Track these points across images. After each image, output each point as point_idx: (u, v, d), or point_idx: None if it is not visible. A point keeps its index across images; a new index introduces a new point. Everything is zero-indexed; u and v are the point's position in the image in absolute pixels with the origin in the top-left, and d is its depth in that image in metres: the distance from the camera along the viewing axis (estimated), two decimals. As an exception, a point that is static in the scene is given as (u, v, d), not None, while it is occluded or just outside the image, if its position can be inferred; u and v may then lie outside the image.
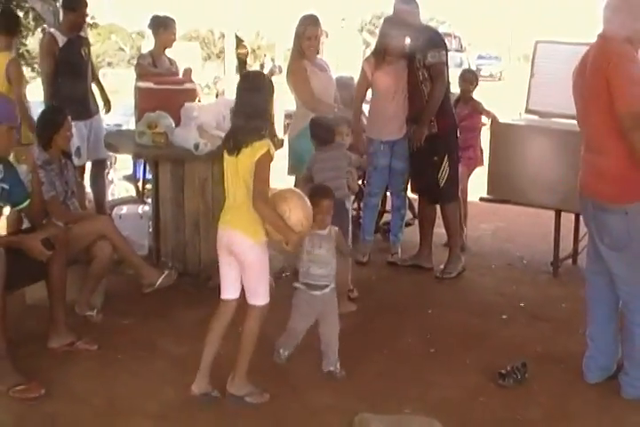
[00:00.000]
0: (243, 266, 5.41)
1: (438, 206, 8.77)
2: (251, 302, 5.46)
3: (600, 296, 6.00)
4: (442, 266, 8.68)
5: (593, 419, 5.62)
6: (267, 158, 5.16)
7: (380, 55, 8.78)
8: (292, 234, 5.29)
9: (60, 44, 8.97)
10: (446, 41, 8.35)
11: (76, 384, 5.96)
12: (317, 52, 8.67)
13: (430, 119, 8.28)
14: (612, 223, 5.66)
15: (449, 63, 8.58)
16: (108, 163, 11.82)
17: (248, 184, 5.21)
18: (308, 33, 8.35)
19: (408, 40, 8.75)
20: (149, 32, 9.80)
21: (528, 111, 9.05)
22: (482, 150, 9.61)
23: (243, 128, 5.24)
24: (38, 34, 16.05)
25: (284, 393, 5.68)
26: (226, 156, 5.37)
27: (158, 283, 6.89)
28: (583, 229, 6.94)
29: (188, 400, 5.51)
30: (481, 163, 9.65)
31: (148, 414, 5.51)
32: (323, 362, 6.10)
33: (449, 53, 8.71)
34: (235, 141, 5.24)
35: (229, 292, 5.55)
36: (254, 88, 5.34)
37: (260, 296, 5.46)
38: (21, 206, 6.41)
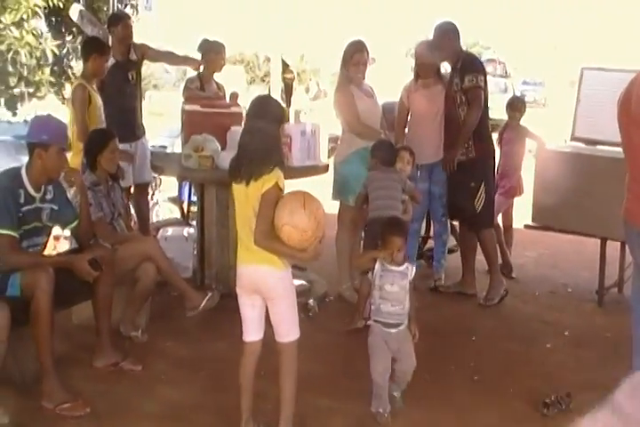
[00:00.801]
0: (273, 302, 5.11)
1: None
2: (284, 339, 5.17)
3: None
4: (484, 292, 8.66)
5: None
6: (274, 191, 4.90)
7: (415, 78, 8.93)
8: (301, 254, 5.09)
9: (109, 64, 9.09)
10: (488, 66, 8.33)
11: (120, 404, 6.01)
12: (364, 78, 8.71)
13: (464, 144, 8.28)
14: None
15: (492, 88, 8.64)
16: (153, 185, 11.93)
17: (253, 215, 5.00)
18: (356, 59, 8.38)
19: (440, 63, 8.89)
20: (195, 55, 9.87)
21: (574, 138, 9.05)
22: (521, 179, 9.59)
23: (251, 157, 4.99)
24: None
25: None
26: (234, 185, 5.11)
27: (202, 306, 6.90)
28: (629, 257, 6.93)
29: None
30: (521, 191, 9.64)
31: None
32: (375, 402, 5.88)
33: (494, 79, 8.79)
34: (244, 171, 4.98)
35: (254, 334, 5.26)
36: (263, 114, 5.14)
37: (293, 331, 5.19)
38: (70, 227, 6.51)
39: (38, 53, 13.18)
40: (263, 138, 5.01)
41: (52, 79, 17.23)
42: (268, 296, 5.11)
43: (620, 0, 58.51)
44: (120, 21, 9.56)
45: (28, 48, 12.85)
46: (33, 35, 13.11)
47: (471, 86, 8.18)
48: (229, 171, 5.16)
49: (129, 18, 9.78)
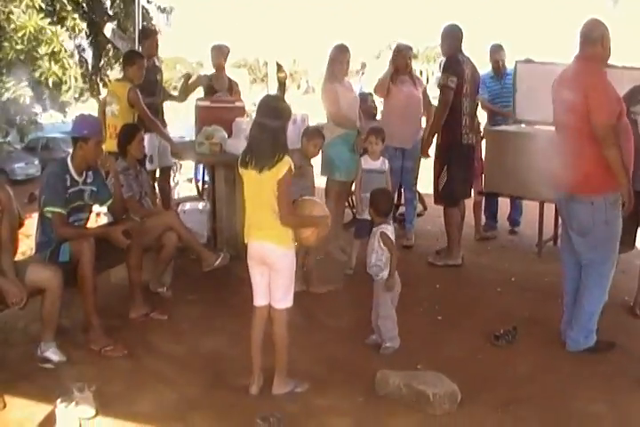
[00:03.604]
0: (275, 272, 5.08)
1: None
2: (279, 306, 5.14)
3: (572, 272, 6.10)
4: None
5: (569, 370, 5.72)
6: (289, 175, 4.88)
7: (393, 74, 8.99)
8: (323, 218, 5.23)
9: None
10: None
11: (151, 347, 6.11)
12: (346, 75, 8.72)
13: (432, 134, 8.32)
14: (579, 212, 5.76)
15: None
16: (174, 168, 11.94)
17: (272, 199, 4.92)
18: (341, 58, 8.37)
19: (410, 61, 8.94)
20: (205, 61, 9.97)
21: (515, 121, 9.07)
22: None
23: (261, 149, 4.91)
24: (117, 67, 16.35)
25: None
26: (244, 171, 5.04)
27: (216, 264, 6.93)
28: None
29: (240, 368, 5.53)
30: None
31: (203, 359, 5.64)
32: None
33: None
34: (258, 160, 4.90)
35: (262, 299, 5.21)
36: (275, 110, 5.02)
37: (288, 299, 5.15)
38: (106, 204, 6.59)
39: (64, 79, 13.22)
40: (272, 133, 4.91)
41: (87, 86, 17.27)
42: (272, 267, 5.08)
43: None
44: (149, 36, 9.64)
45: (55, 77, 12.89)
46: (60, 66, 13.13)
47: (441, 84, 8.06)
48: (240, 159, 5.06)
49: (156, 33, 9.82)
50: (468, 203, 8.77)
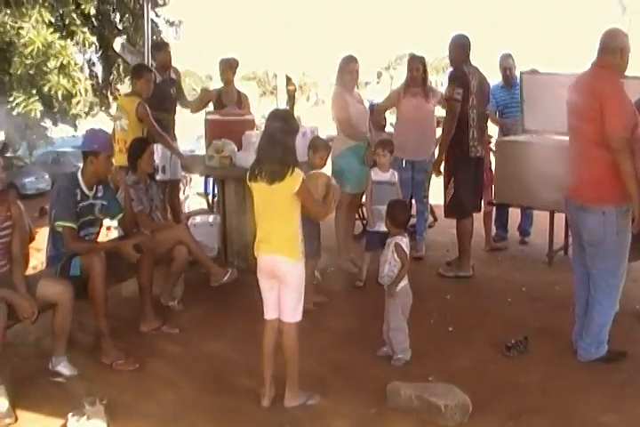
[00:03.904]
0: (285, 286, 5.09)
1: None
2: (288, 320, 5.15)
3: (583, 282, 6.07)
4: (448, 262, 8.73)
5: (580, 380, 5.69)
6: (304, 186, 4.96)
7: (406, 86, 8.95)
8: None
9: (158, 81, 9.16)
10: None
11: (163, 360, 6.12)
12: (356, 86, 8.75)
13: (444, 147, 8.15)
14: (590, 222, 5.73)
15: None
16: (184, 181, 11.98)
17: (284, 211, 5.01)
18: (350, 68, 8.38)
19: (427, 75, 8.89)
20: (215, 75, 9.98)
21: (524, 131, 9.01)
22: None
23: (271, 163, 4.93)
24: (127, 81, 16.48)
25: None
26: (253, 184, 5.05)
27: (224, 279, 6.96)
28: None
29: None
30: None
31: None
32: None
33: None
34: (268, 173, 4.92)
35: (272, 312, 5.22)
36: (285, 123, 5.05)
37: (298, 313, 5.15)
38: (117, 218, 6.62)
39: (74, 92, 13.34)
40: (281, 146, 4.94)
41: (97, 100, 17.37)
42: (282, 281, 5.09)
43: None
44: (162, 49, 9.68)
45: (63, 90, 13.00)
46: (69, 79, 13.24)
47: (448, 97, 8.05)
48: (249, 172, 5.08)
49: (168, 46, 9.84)
50: (478, 213, 8.73)
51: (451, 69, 8.26)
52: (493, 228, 9.83)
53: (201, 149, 10.41)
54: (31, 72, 12.94)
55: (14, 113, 13.52)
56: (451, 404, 5.00)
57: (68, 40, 13.52)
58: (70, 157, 32.38)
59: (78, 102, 13.80)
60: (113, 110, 11.48)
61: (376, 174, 7.91)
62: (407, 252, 6.00)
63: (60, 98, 13.13)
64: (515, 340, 6.20)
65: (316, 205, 5.28)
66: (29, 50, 12.46)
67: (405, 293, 6.00)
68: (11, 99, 13.28)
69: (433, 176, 8.80)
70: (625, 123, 5.47)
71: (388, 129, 9.74)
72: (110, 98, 17.48)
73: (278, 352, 5.24)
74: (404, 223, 6.20)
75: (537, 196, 8.25)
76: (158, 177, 8.16)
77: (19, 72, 12.93)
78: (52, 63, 12.69)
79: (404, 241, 6.02)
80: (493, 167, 9.03)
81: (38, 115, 13.60)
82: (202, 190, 12.66)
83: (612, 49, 5.64)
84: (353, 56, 8.49)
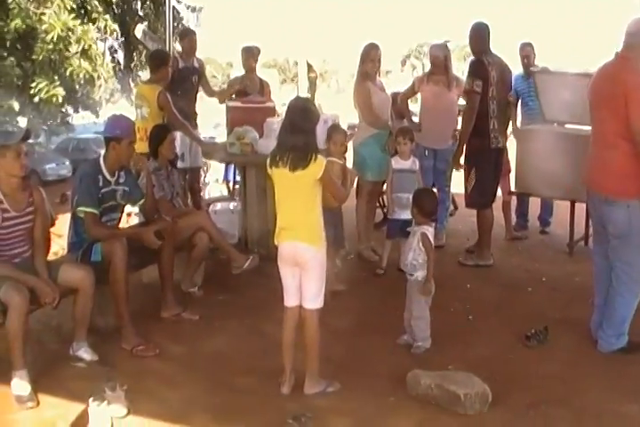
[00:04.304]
0: (306, 272, 5.09)
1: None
2: (310, 306, 5.15)
3: (603, 273, 6.05)
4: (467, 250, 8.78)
5: (600, 370, 5.69)
6: (327, 172, 4.97)
7: (428, 73, 8.97)
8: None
9: (180, 67, 9.18)
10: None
11: (184, 346, 6.14)
12: (378, 74, 8.73)
13: (464, 139, 8.17)
14: (615, 215, 5.68)
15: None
16: (204, 168, 12.00)
17: (307, 198, 5.02)
18: (372, 55, 8.38)
19: (450, 63, 8.85)
20: (236, 61, 10.01)
21: (545, 121, 8.97)
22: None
23: (296, 148, 4.92)
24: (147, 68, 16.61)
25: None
26: (274, 170, 5.05)
27: (245, 266, 6.97)
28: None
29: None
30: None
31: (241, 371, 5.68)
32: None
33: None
34: (290, 160, 4.92)
35: (293, 300, 5.21)
36: (304, 112, 5.04)
37: (319, 300, 5.15)
38: (138, 204, 6.64)
39: (96, 75, 13.40)
40: (302, 135, 4.93)
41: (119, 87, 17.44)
42: (303, 267, 5.08)
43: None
44: (186, 36, 9.70)
45: (85, 73, 13.04)
46: (90, 61, 13.29)
47: (467, 89, 8.05)
48: (270, 158, 5.07)
49: (194, 34, 9.83)
50: (497, 203, 8.71)
51: (471, 58, 8.22)
52: (514, 217, 9.82)
53: (220, 137, 10.42)
54: (53, 57, 13.00)
55: (36, 99, 13.58)
56: (470, 393, 4.99)
57: (90, 24, 13.57)
58: (91, 144, 32.55)
59: (101, 86, 13.88)
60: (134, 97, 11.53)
61: (397, 162, 7.92)
62: (433, 242, 5.99)
63: (82, 82, 13.19)
64: (535, 329, 6.18)
65: (338, 191, 5.31)
66: (50, 36, 12.50)
67: (431, 286, 5.99)
68: (32, 84, 13.35)
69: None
70: None
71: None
72: (132, 84, 17.55)
73: (298, 340, 5.25)
74: (432, 213, 6.15)
75: (557, 185, 8.24)
76: (179, 165, 8.18)
77: (40, 58, 12.98)
78: (73, 48, 12.73)
79: (431, 231, 6.00)
80: (512, 156, 8.99)
81: (60, 100, 13.65)
82: (221, 177, 12.71)
83: (637, 40, 5.57)
84: (375, 44, 8.48)
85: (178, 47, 10.82)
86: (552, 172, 8.18)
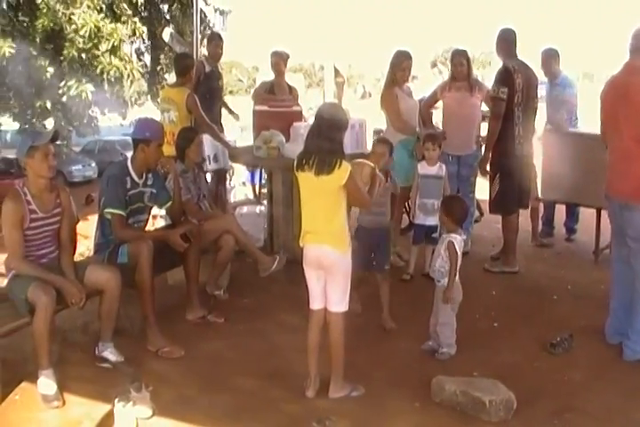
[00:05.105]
0: (332, 276, 5.10)
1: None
2: (335, 309, 5.15)
3: (621, 276, 6.12)
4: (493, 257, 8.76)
5: (625, 380, 5.65)
6: (352, 178, 4.93)
7: (450, 79, 8.90)
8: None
9: (206, 70, 9.24)
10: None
11: (208, 348, 6.16)
12: (407, 81, 8.72)
13: (490, 146, 8.14)
14: (635, 219, 5.74)
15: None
16: (230, 171, 12.03)
17: (331, 202, 5.00)
18: (404, 65, 8.38)
19: (471, 69, 8.82)
20: (262, 65, 10.11)
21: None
22: None
23: (323, 153, 4.91)
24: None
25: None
26: (300, 174, 5.05)
27: (273, 268, 6.96)
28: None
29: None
30: None
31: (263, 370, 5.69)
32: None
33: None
34: (316, 164, 4.91)
35: (319, 302, 5.22)
36: (336, 118, 5.03)
37: (344, 303, 5.15)
38: (165, 206, 6.67)
39: (125, 74, 13.47)
40: (329, 141, 4.92)
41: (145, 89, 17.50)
42: (328, 271, 5.09)
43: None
44: (212, 41, 9.79)
45: (116, 70, 13.11)
46: (120, 59, 13.36)
47: (492, 97, 8.04)
48: (297, 162, 5.06)
49: (221, 39, 9.89)
50: (525, 209, 8.69)
51: (500, 67, 8.20)
52: (540, 223, 9.79)
53: (244, 141, 10.47)
54: (83, 56, 13.09)
55: (64, 98, 13.65)
56: (495, 400, 4.98)
57: (119, 24, 13.66)
58: (117, 146, 32.73)
59: (131, 83, 13.96)
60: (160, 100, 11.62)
61: (423, 168, 7.92)
62: (460, 252, 5.97)
63: (112, 80, 13.27)
64: (560, 337, 6.16)
65: (363, 197, 5.23)
66: (82, 33, 12.59)
67: (456, 289, 5.98)
68: (62, 83, 13.43)
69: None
70: None
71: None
72: (158, 87, 17.63)
73: (323, 344, 5.26)
74: (461, 220, 6.12)
75: (583, 192, 8.21)
76: (210, 167, 8.21)
77: (70, 56, 13.07)
78: (103, 46, 12.81)
79: (458, 239, 5.98)
80: (538, 160, 8.96)
81: (90, 96, 13.71)
82: (245, 180, 12.74)
83: None
84: (407, 52, 8.47)
85: (204, 51, 10.88)
86: (578, 178, 8.13)
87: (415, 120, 8.60)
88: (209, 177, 8.87)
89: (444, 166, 7.99)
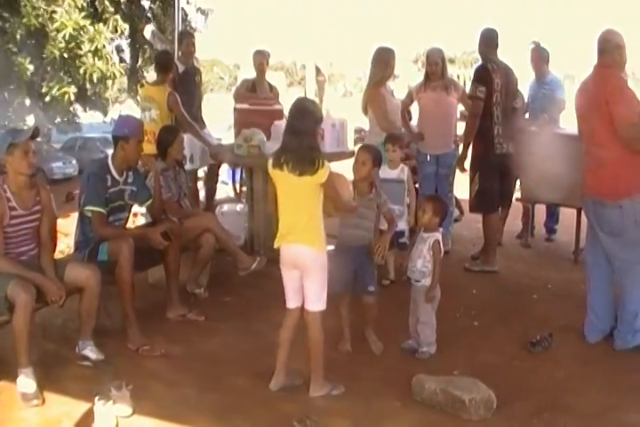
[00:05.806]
0: (308, 275, 5.08)
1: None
2: (313, 308, 5.14)
3: (598, 273, 6.25)
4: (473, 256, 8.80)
5: (603, 378, 5.68)
6: (331, 177, 4.91)
7: (425, 80, 8.86)
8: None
9: (180, 71, 9.22)
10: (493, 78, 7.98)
11: (188, 346, 6.15)
12: (389, 79, 8.74)
13: (467, 144, 8.19)
14: (609, 216, 5.92)
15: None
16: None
17: (310, 201, 4.99)
18: (391, 62, 8.42)
19: (446, 68, 8.83)
20: (243, 63, 10.10)
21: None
22: None
23: (296, 154, 4.88)
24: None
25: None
26: (277, 172, 4.99)
27: (252, 267, 7.00)
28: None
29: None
30: None
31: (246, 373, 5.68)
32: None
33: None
34: (297, 164, 4.87)
35: (294, 302, 5.22)
36: (304, 116, 4.96)
37: (322, 302, 5.14)
38: (145, 204, 6.65)
39: (108, 74, 13.47)
40: (305, 138, 4.89)
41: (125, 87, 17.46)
42: (304, 270, 5.09)
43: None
44: (183, 40, 9.83)
45: (98, 71, 13.10)
46: (104, 61, 13.35)
47: (470, 95, 8.09)
48: (274, 160, 5.00)
49: (192, 37, 9.92)
50: (514, 208, 8.75)
51: (477, 64, 8.23)
52: (520, 224, 9.84)
53: (229, 139, 10.44)
54: (65, 55, 13.04)
55: (47, 98, 13.60)
56: (475, 398, 4.98)
57: (101, 24, 13.63)
58: (97, 143, 32.63)
59: (113, 84, 13.95)
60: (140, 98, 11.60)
61: (383, 172, 7.13)
62: (442, 250, 5.98)
63: (94, 81, 13.25)
64: (540, 336, 6.19)
65: (339, 198, 5.17)
66: (62, 34, 12.55)
67: (435, 293, 5.99)
68: (43, 83, 13.38)
69: (457, 171, 8.78)
70: (632, 111, 5.67)
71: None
72: (138, 85, 17.60)
73: (301, 343, 5.25)
74: (443, 218, 6.12)
75: (562, 192, 8.24)
76: (187, 166, 8.19)
77: (51, 56, 13.02)
78: (85, 46, 12.78)
79: (439, 238, 5.98)
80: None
81: (72, 97, 13.69)
82: (225, 179, 12.70)
83: (610, 49, 5.92)
84: (392, 49, 8.47)
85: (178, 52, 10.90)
86: (556, 177, 8.11)
87: (399, 119, 8.60)
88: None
89: (406, 169, 7.78)
